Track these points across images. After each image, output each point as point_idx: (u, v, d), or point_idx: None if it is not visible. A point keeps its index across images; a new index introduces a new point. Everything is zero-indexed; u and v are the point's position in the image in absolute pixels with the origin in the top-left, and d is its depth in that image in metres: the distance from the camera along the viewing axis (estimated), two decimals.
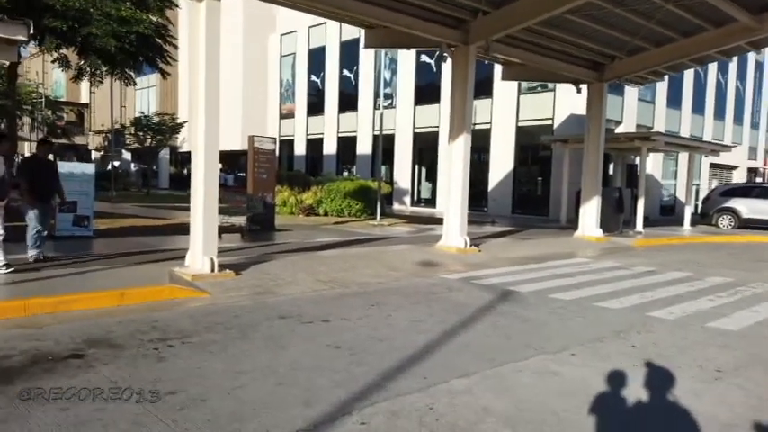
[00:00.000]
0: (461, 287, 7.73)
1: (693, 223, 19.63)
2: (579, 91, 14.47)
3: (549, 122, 21.13)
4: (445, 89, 24.23)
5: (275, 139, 13.41)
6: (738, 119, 29.78)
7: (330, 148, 30.11)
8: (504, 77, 15.39)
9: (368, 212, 18.71)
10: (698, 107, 26.51)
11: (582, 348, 4.97)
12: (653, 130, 20.36)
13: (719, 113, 28.11)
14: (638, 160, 20.94)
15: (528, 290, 7.63)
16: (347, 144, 29.20)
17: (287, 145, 32.82)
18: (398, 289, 7.49)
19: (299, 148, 31.99)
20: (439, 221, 18.24)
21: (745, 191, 20.47)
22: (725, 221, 19.93)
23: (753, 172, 31.85)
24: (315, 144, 31.01)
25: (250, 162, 12.80)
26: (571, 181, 18.51)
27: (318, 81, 30.88)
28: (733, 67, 28.73)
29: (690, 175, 18.92)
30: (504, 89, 21.76)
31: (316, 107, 31.00)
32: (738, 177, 30.22)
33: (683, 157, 25.37)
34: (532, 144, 22.60)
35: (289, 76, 32.90)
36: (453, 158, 11.04)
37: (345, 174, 28.19)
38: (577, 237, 14.26)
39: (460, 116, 10.94)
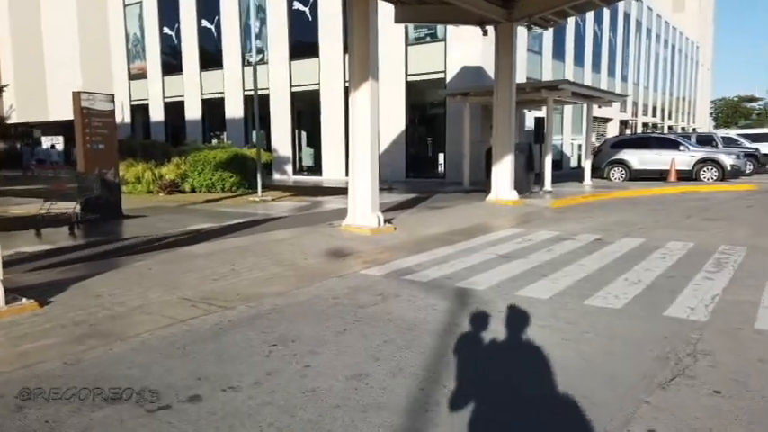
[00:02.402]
0: (397, 290, 5.47)
1: (582, 177, 19.09)
2: (486, 33, 12.63)
3: (441, 76, 19.34)
4: (324, 40, 21.55)
5: (113, 96, 10.07)
6: (611, 71, 30.29)
7: (193, 112, 26.19)
8: (398, 19, 13.13)
9: (245, 186, 15.82)
10: (579, 59, 26.28)
11: (656, 415, 2.94)
12: (557, 79, 19.31)
13: (596, 66, 28.25)
14: (533, 114, 19.97)
15: (485, 286, 5.56)
16: (214, 107, 25.51)
17: (141, 111, 28.28)
18: (309, 303, 5.06)
19: (156, 114, 27.61)
20: (329, 192, 15.85)
21: (634, 142, 20.32)
22: (616, 174, 19.65)
23: (624, 124, 32.92)
24: (174, 108, 26.85)
25: (78, 128, 9.42)
26: (473, 139, 16.93)
27: (173, 34, 26.56)
28: (606, 19, 28.95)
29: (588, 127, 18.18)
30: (390, 39, 19.46)
31: (172, 65, 26.74)
32: (612, 130, 30.99)
33: (568, 110, 25.10)
34: (424, 101, 20.79)
35: (136, 29, 28.04)
36: (357, 116, 8.63)
37: (215, 142, 24.65)
38: (491, 201, 12.61)
39: (362, 61, 8.49)
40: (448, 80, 19.04)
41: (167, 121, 27.37)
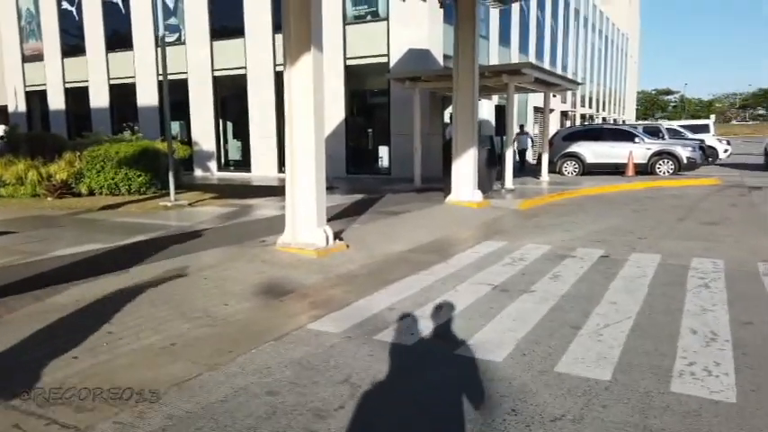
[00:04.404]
0: (370, 368, 3.48)
1: (535, 172, 17.80)
2: (442, 5, 10.78)
3: (384, 60, 17.34)
4: (251, 16, 19.08)
5: None
6: (553, 60, 29.39)
7: (100, 99, 22.91)
8: None
9: (157, 186, 13.25)
10: (523, 47, 25.02)
11: None
12: (520, 62, 17.71)
13: (540, 53, 27.18)
14: (482, 102, 18.41)
15: (502, 354, 3.67)
16: (124, 94, 22.34)
17: (37, 97, 24.64)
18: (228, 412, 2.96)
19: (56, 101, 24.05)
20: (260, 192, 13.54)
21: (587, 134, 19.13)
22: (569, 168, 18.43)
23: (564, 115, 32.23)
24: (77, 95, 23.42)
25: None
26: (423, 131, 15.10)
27: (74, 10, 23.08)
28: (549, 5, 27.97)
29: (546, 117, 16.78)
30: (326, 17, 17.31)
31: (74, 46, 23.28)
32: (554, 121, 30.13)
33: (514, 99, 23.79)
34: (365, 88, 18.79)
35: (29, 4, 24.24)
36: (295, 100, 6.50)
37: (127, 133, 21.55)
38: (452, 203, 10.82)
39: (302, 21, 6.38)
40: (392, 65, 17.09)
41: (69, 109, 23.88)
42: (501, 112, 13.86)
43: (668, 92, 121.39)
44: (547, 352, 3.69)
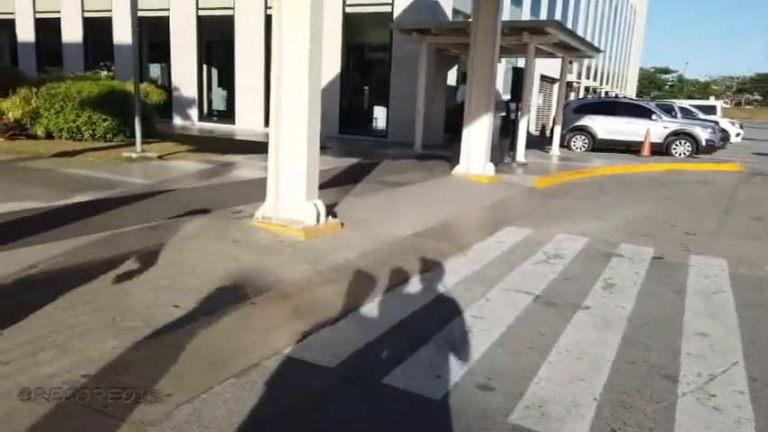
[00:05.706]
0: None
1: (540, 144, 16.61)
2: None
3: (388, 9, 15.68)
4: None
5: None
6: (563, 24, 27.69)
7: (73, 34, 20.90)
8: None
9: (126, 134, 11.71)
10: (535, 8, 23.36)
11: None
12: (545, 20, 16.14)
13: (551, 16, 25.43)
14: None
15: (582, 428, 2.44)
16: (100, 30, 20.36)
17: (6, 28, 22.45)
18: None
19: (25, 33, 21.93)
20: (243, 148, 12.02)
21: (600, 107, 17.82)
22: (578, 143, 17.17)
23: (569, 86, 30.69)
24: (49, 27, 21.37)
25: None
26: (427, 93, 13.61)
27: None
28: None
29: (561, 86, 15.38)
30: None
31: None
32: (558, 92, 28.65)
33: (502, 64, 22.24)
34: (364, 41, 17.16)
35: None
36: (286, 43, 5.04)
37: (104, 73, 19.69)
38: (461, 175, 9.49)
39: None
40: (396, 15, 15.43)
41: (39, 42, 21.84)
42: (515, 75, 12.48)
43: (666, 71, 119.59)
44: (647, 428, 2.45)
